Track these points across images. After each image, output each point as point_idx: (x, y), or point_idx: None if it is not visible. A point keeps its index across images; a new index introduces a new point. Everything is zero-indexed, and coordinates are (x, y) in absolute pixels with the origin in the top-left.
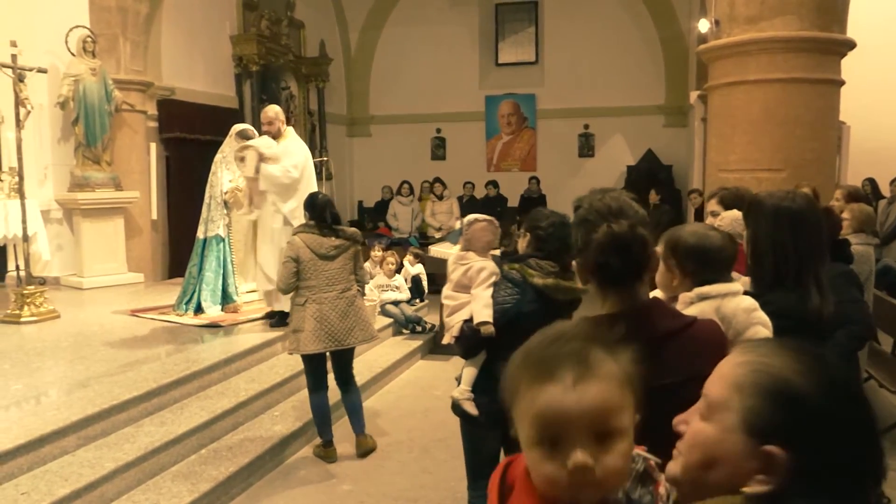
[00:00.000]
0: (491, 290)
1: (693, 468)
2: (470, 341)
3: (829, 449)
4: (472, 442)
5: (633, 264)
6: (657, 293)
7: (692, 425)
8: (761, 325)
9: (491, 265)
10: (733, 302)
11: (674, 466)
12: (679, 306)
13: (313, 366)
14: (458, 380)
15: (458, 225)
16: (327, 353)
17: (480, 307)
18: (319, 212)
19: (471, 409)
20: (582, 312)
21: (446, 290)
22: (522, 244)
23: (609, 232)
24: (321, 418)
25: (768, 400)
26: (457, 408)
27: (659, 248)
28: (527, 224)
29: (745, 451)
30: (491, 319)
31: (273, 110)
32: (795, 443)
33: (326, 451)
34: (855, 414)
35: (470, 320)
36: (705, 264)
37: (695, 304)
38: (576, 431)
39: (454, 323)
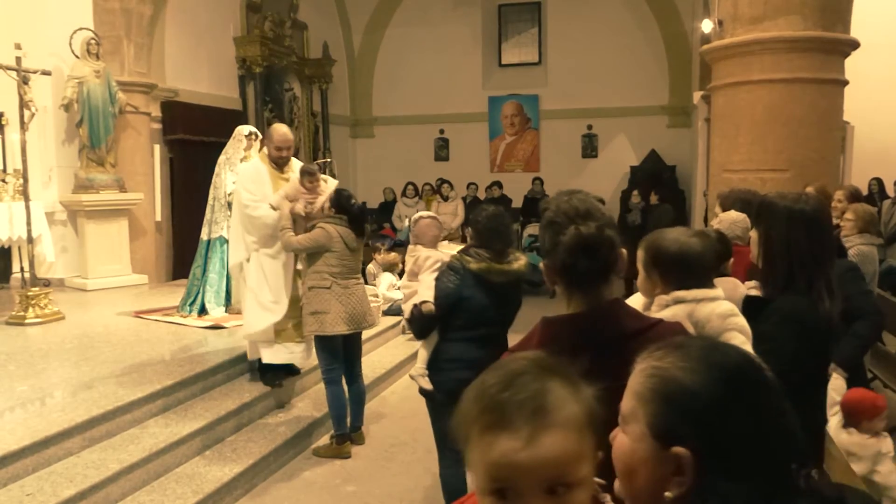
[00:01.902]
0: (435, 274)
1: (621, 480)
2: (420, 322)
3: (734, 438)
4: (435, 416)
5: (601, 265)
6: (637, 297)
7: (616, 438)
8: (737, 331)
9: (436, 255)
10: (708, 307)
11: (616, 482)
12: (654, 308)
13: (331, 349)
14: None
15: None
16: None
17: (424, 289)
18: (357, 214)
19: (426, 384)
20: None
21: (403, 281)
22: (470, 237)
23: (577, 234)
24: (341, 409)
25: (663, 403)
26: (420, 387)
27: (640, 254)
28: (469, 219)
29: (657, 457)
30: (432, 300)
31: (290, 134)
32: (698, 439)
33: (341, 448)
34: (754, 399)
35: (411, 315)
36: (686, 272)
37: (669, 307)
38: (528, 486)
39: (408, 307)
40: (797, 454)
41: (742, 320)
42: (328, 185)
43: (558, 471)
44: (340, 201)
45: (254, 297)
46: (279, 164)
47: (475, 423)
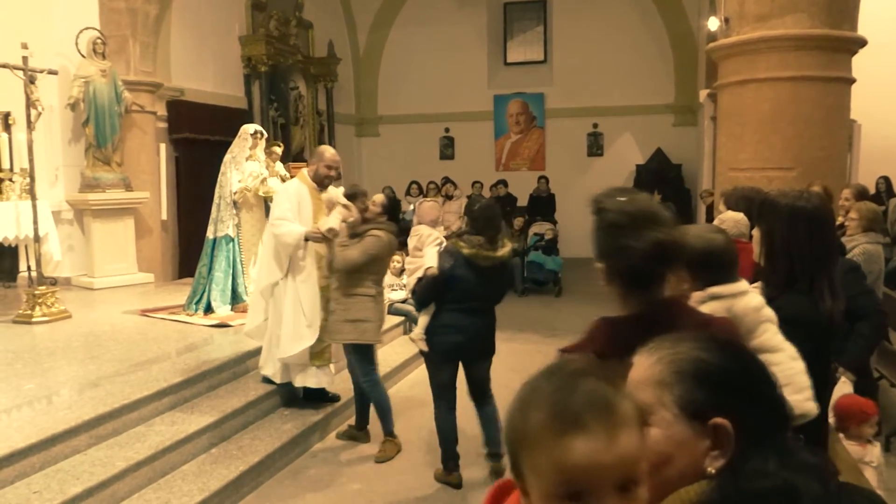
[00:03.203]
0: (437, 248)
1: (653, 472)
2: (423, 293)
3: (756, 406)
4: (432, 371)
5: (669, 269)
6: None
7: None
8: (770, 322)
9: (437, 233)
10: (743, 301)
11: None
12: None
13: (369, 356)
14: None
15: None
16: None
17: (429, 259)
18: (398, 219)
19: (423, 346)
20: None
21: (407, 260)
22: (464, 226)
23: (656, 240)
24: (389, 409)
25: (693, 381)
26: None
27: None
28: (466, 209)
29: (694, 435)
30: (436, 266)
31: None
32: (731, 409)
33: (391, 444)
34: (759, 370)
35: (415, 284)
36: (714, 267)
37: (706, 304)
38: (605, 486)
39: (412, 281)
40: (787, 417)
41: (771, 311)
42: (330, 192)
43: (632, 467)
44: (393, 206)
45: (291, 321)
46: (325, 184)
47: (545, 429)
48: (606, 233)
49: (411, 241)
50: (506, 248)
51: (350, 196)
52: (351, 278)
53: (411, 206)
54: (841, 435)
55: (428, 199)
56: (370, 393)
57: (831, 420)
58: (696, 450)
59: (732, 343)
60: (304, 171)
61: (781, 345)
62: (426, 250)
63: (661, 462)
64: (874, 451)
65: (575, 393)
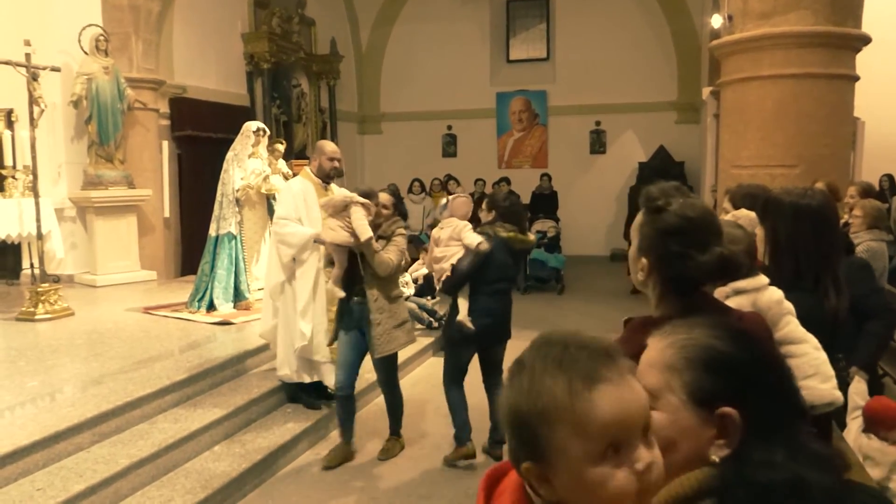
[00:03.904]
0: (472, 234)
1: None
2: (468, 269)
3: (766, 397)
4: (454, 354)
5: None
6: None
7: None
8: (791, 315)
9: (469, 224)
10: (766, 294)
11: None
12: None
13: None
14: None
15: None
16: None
17: (474, 240)
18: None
19: (471, 326)
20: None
21: (436, 249)
22: (487, 216)
23: (722, 257)
24: (402, 410)
25: (704, 369)
26: (451, 330)
27: None
28: (490, 204)
29: (700, 422)
30: (483, 243)
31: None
32: (740, 399)
33: (396, 443)
34: (773, 362)
35: (457, 264)
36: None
37: (731, 299)
38: (636, 431)
39: (447, 266)
40: (801, 409)
41: (790, 304)
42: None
43: (647, 409)
44: (398, 202)
45: (306, 315)
46: (331, 176)
47: (569, 394)
48: (663, 234)
49: (444, 233)
50: (532, 236)
51: (365, 196)
52: (389, 282)
53: (444, 201)
54: (871, 435)
55: (460, 194)
56: (392, 393)
57: (853, 421)
58: (702, 437)
59: (746, 333)
60: (307, 168)
61: (805, 336)
62: (466, 235)
63: (666, 447)
64: None
65: (577, 353)
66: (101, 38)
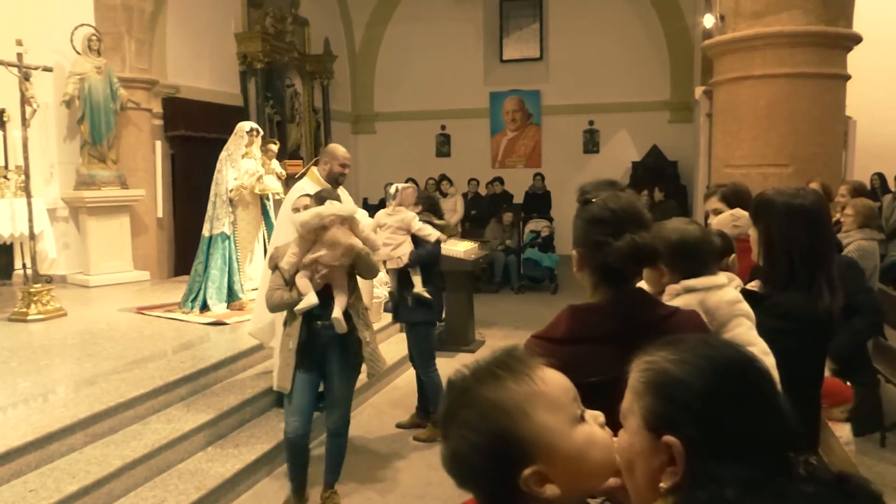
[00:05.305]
0: (421, 223)
1: (624, 476)
2: (427, 256)
3: (726, 427)
4: (429, 334)
5: (640, 268)
6: (642, 286)
7: (619, 435)
8: (744, 317)
9: (416, 215)
10: (717, 295)
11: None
12: (665, 297)
13: None
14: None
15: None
16: None
17: (431, 230)
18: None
19: (427, 294)
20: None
21: (384, 234)
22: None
23: (633, 244)
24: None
25: (656, 394)
26: (421, 309)
27: None
28: (422, 201)
29: (651, 448)
30: (442, 236)
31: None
32: (690, 428)
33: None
34: (745, 388)
35: (414, 249)
36: (690, 258)
37: (680, 296)
38: (576, 394)
39: (403, 253)
40: (792, 442)
41: (747, 307)
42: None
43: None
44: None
45: None
46: (340, 182)
47: (524, 383)
48: (588, 224)
49: (391, 220)
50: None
51: (320, 200)
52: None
53: (393, 189)
54: None
55: (407, 185)
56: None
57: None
58: (654, 463)
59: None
60: (315, 172)
61: (753, 340)
62: (421, 226)
63: (626, 469)
64: (844, 429)
65: (491, 362)
66: (94, 37)
